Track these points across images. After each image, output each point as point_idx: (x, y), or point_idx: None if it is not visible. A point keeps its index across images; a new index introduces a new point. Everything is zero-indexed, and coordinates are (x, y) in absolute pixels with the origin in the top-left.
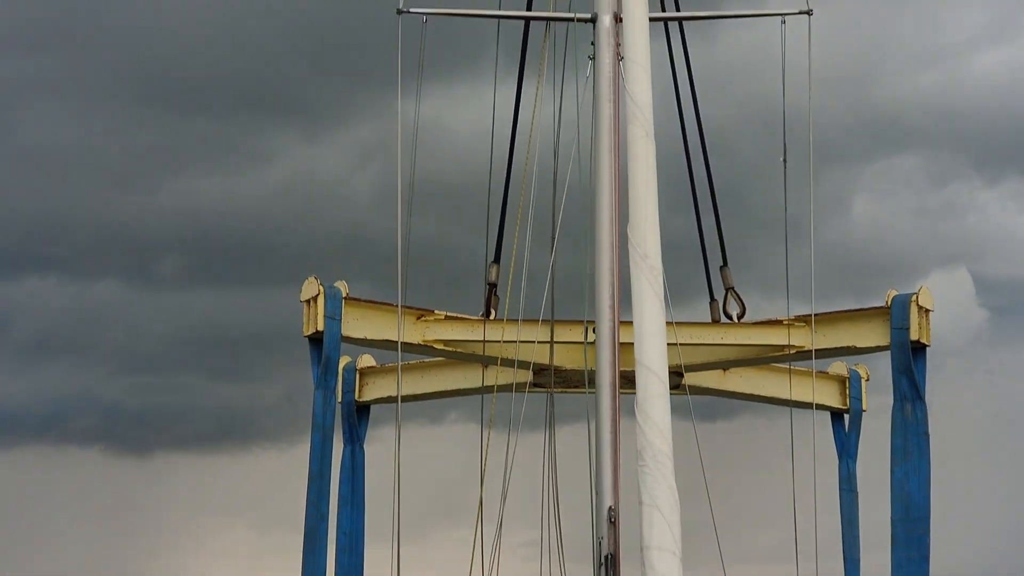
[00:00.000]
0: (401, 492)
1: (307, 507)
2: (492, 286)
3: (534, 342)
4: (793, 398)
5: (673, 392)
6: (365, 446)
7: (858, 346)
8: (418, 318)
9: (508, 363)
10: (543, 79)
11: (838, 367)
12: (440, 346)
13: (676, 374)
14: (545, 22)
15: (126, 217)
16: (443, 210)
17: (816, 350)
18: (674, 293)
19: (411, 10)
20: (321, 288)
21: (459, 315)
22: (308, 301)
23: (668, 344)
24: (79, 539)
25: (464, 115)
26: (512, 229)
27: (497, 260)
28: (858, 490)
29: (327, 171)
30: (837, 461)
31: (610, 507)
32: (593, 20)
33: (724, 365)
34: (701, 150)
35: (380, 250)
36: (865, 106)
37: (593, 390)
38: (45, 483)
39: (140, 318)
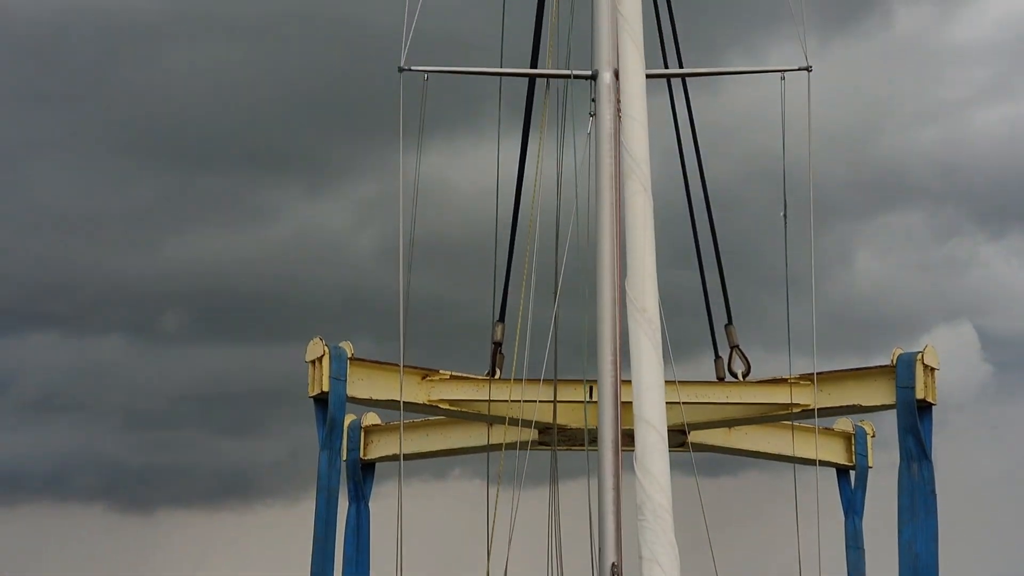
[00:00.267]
0: (405, 549)
1: (312, 569)
2: (497, 345)
3: (536, 401)
4: (798, 455)
5: (677, 450)
6: (370, 503)
7: (863, 404)
8: (423, 378)
9: (513, 422)
10: (543, 136)
11: (844, 423)
12: (445, 406)
13: (680, 432)
14: (545, 79)
15: (129, 273)
16: (447, 265)
17: (821, 409)
18: (679, 348)
19: (412, 68)
20: (326, 349)
21: (464, 375)
22: (313, 362)
23: (672, 403)
24: None
25: (467, 171)
26: (516, 287)
27: (502, 319)
28: (865, 547)
29: (330, 227)
30: (843, 518)
31: (613, 563)
32: (593, 77)
33: (729, 424)
34: (705, 206)
35: (383, 306)
36: (867, 161)
37: (595, 447)
38: (47, 541)
39: (143, 374)
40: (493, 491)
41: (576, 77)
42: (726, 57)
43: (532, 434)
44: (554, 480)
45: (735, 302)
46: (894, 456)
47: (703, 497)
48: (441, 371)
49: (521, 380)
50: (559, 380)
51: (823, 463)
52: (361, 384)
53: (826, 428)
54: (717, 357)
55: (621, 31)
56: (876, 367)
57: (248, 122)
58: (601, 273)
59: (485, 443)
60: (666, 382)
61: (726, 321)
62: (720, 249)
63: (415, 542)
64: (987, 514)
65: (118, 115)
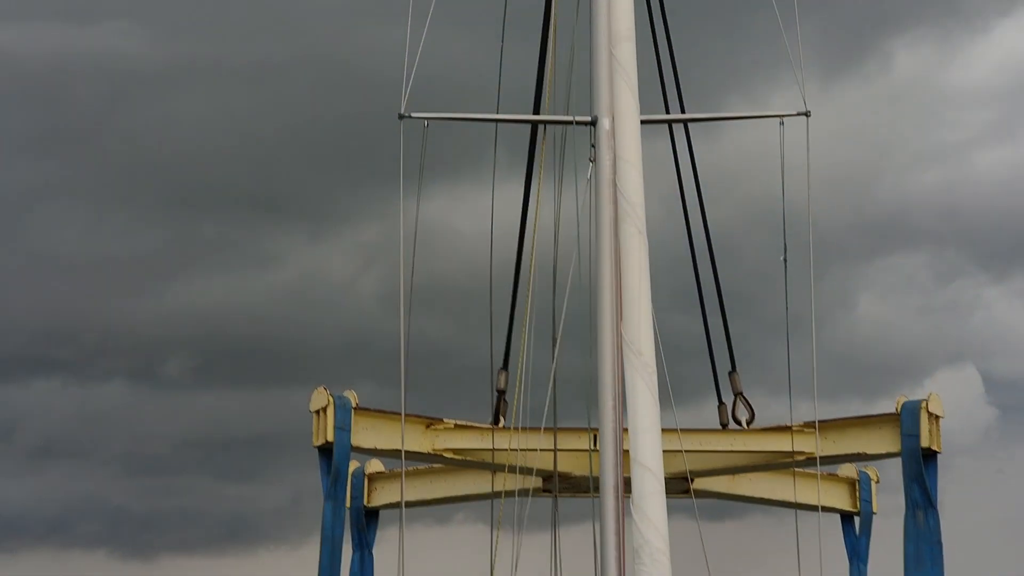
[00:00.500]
0: None
1: None
2: (501, 393)
3: (537, 450)
4: (801, 501)
5: (681, 496)
6: (373, 550)
7: (868, 452)
8: (427, 426)
9: (522, 470)
10: (541, 182)
11: (848, 469)
12: (450, 455)
13: (683, 480)
14: (544, 125)
15: (132, 319)
16: (452, 309)
17: (826, 456)
18: (681, 393)
19: (412, 115)
20: (331, 399)
21: (468, 423)
22: (318, 411)
23: (675, 451)
24: None
25: (471, 215)
26: (519, 333)
27: (505, 367)
28: None
29: (333, 272)
30: (848, 564)
31: None
32: (593, 123)
33: (732, 471)
34: (708, 251)
35: (386, 350)
36: (868, 204)
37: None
38: None
39: (146, 420)
40: (496, 539)
41: (576, 123)
42: (727, 102)
43: (536, 482)
44: (554, 526)
45: (738, 346)
46: (899, 499)
47: (707, 543)
48: (445, 420)
49: (525, 428)
50: (563, 429)
51: (827, 509)
52: (366, 434)
53: (830, 474)
54: (720, 403)
55: (616, 76)
56: (880, 415)
57: (250, 168)
58: (601, 318)
59: (489, 490)
60: (668, 430)
61: (730, 368)
62: (723, 293)
63: None
64: (994, 560)
65: (120, 161)
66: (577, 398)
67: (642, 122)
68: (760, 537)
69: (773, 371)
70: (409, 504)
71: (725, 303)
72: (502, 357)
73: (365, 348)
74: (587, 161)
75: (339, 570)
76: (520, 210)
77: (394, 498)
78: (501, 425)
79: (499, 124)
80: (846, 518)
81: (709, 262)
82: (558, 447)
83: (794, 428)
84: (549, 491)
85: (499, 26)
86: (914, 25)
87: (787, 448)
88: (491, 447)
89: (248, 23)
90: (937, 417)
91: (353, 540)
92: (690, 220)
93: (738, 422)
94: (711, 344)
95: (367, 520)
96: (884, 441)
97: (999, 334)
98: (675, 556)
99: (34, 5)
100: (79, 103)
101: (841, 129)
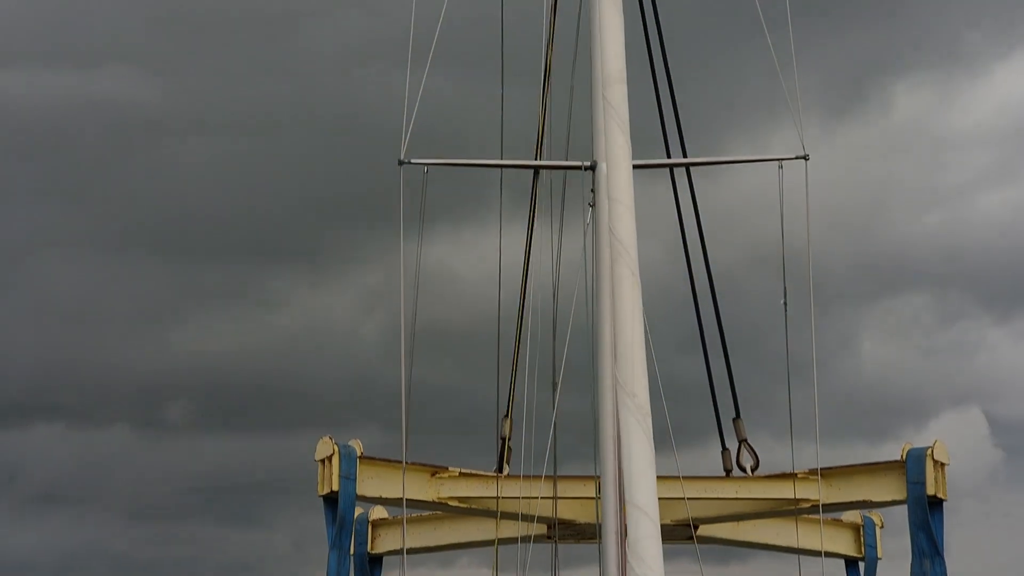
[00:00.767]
0: None
1: None
2: (505, 440)
3: (538, 498)
4: (805, 547)
5: (685, 542)
6: None
7: (873, 500)
8: (432, 475)
9: (524, 517)
10: (532, 228)
11: (852, 514)
12: (455, 503)
13: (687, 526)
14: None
15: (134, 365)
16: (455, 353)
17: (832, 504)
18: (686, 435)
19: (412, 161)
20: (336, 448)
21: (472, 471)
22: (323, 460)
23: (677, 498)
24: None
25: (471, 259)
26: (522, 379)
27: (508, 414)
28: None
29: (335, 317)
30: None
31: None
32: (592, 167)
33: (736, 518)
34: (710, 294)
35: (390, 394)
36: (870, 246)
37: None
38: None
39: (148, 466)
40: None
41: (574, 168)
42: (728, 144)
43: (540, 528)
44: (554, 572)
45: (740, 388)
46: (905, 542)
47: None
48: (450, 468)
49: (528, 476)
50: (566, 477)
51: (832, 554)
52: (371, 483)
53: (834, 519)
54: (724, 448)
55: (609, 119)
56: (885, 462)
57: (252, 214)
58: (602, 362)
59: (492, 537)
60: (671, 477)
61: (734, 415)
62: (726, 338)
63: None
64: None
65: (122, 207)
66: (582, 443)
67: (637, 166)
68: None
69: (777, 413)
70: (412, 551)
71: (728, 346)
72: (505, 406)
73: (369, 392)
74: (587, 206)
75: None
76: (521, 253)
77: (398, 545)
78: (506, 472)
79: (501, 169)
80: (850, 563)
81: (712, 305)
82: (562, 495)
83: (799, 475)
84: (553, 538)
85: (498, 71)
86: (914, 68)
87: (791, 495)
88: (495, 495)
89: (250, 70)
90: (943, 464)
91: None
92: (692, 263)
93: (743, 469)
94: (714, 390)
95: (371, 566)
96: (889, 489)
97: (1003, 375)
98: None
99: (36, 52)
100: (81, 150)
101: (842, 171)
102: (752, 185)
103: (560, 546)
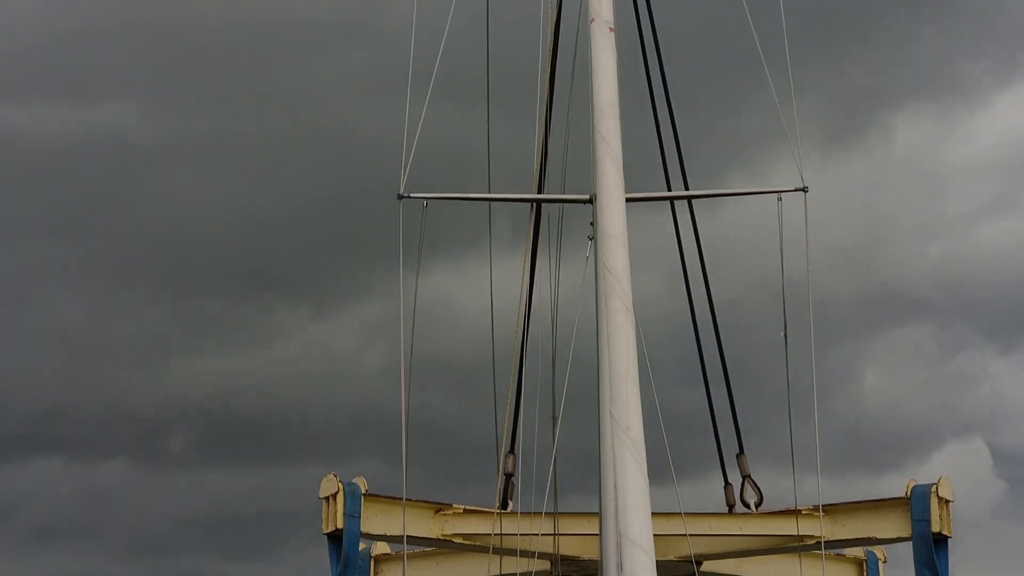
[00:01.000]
0: None
1: None
2: (509, 476)
3: (538, 535)
4: None
5: None
6: None
7: (878, 537)
8: (436, 512)
9: (525, 554)
10: (535, 261)
11: (855, 548)
12: (459, 540)
13: (689, 563)
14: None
15: (134, 397)
16: (457, 386)
17: (837, 540)
18: (688, 467)
19: (411, 195)
20: (340, 485)
21: (476, 508)
22: (327, 498)
23: (679, 535)
24: None
25: (472, 291)
26: (526, 414)
27: (512, 450)
28: None
29: (336, 348)
30: None
31: None
32: (591, 200)
33: (740, 555)
34: (712, 327)
35: (392, 426)
36: (872, 277)
37: None
38: None
39: (148, 499)
40: None
41: (573, 202)
42: (729, 177)
43: (543, 564)
44: None
45: (742, 419)
46: (909, 574)
47: None
48: (454, 505)
49: (526, 514)
50: (568, 513)
51: None
52: (375, 520)
53: (836, 554)
54: (727, 484)
55: (601, 152)
56: (890, 499)
57: (253, 245)
58: (602, 396)
59: (495, 574)
60: (673, 514)
61: (737, 450)
62: (728, 372)
63: None
64: None
65: (123, 239)
66: (586, 475)
67: (631, 199)
68: None
69: (778, 444)
70: None
71: (730, 378)
72: (508, 442)
73: (370, 424)
74: (587, 239)
75: None
76: (520, 285)
77: None
78: (510, 508)
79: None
80: None
81: (714, 338)
82: (565, 531)
83: (803, 512)
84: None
85: (498, 103)
86: (913, 99)
87: (795, 532)
88: (498, 531)
89: (250, 103)
90: (947, 501)
91: None
92: (693, 296)
93: (746, 505)
94: (716, 426)
95: None
96: (894, 525)
97: (1006, 406)
98: None
99: (38, 85)
100: (82, 183)
101: (842, 203)
102: (753, 217)
103: None
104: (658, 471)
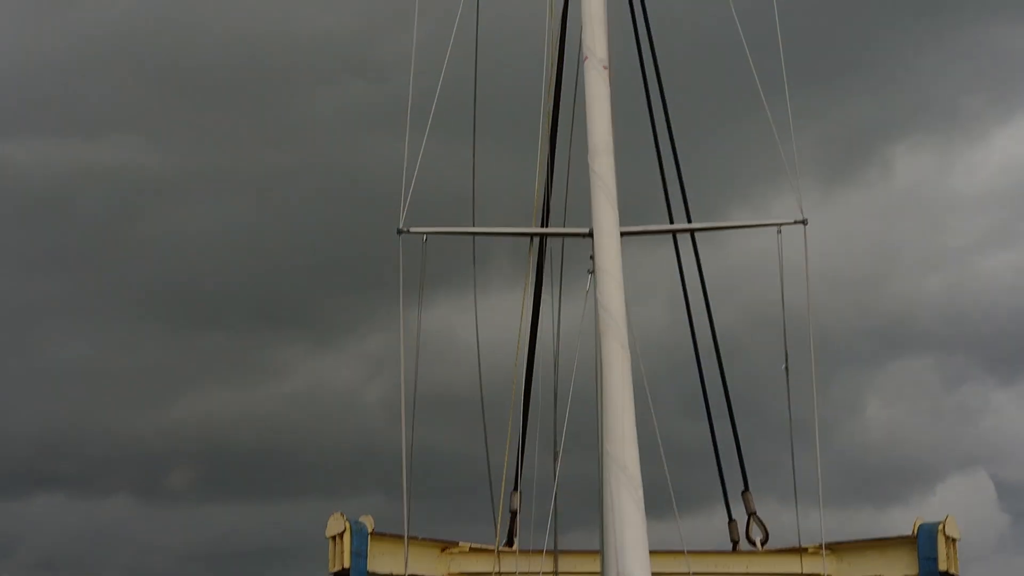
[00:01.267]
0: None
1: None
2: (514, 513)
3: (539, 574)
4: None
5: None
6: None
7: (884, 575)
8: (442, 550)
9: None
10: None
11: None
12: None
13: None
14: (542, 238)
15: (136, 432)
16: (458, 420)
17: None
18: (691, 500)
19: (411, 230)
20: (347, 524)
21: (482, 546)
22: (334, 537)
23: (683, 574)
24: None
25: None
26: (530, 451)
27: (516, 487)
28: None
29: (338, 382)
30: None
31: None
32: (590, 235)
33: None
34: (716, 360)
35: (395, 460)
36: (873, 309)
37: None
38: None
39: (151, 535)
40: None
41: (572, 235)
42: (729, 210)
43: None
44: None
45: (745, 451)
46: None
47: None
48: (460, 543)
49: (525, 552)
50: (569, 552)
51: None
52: (382, 559)
53: None
54: (731, 520)
55: (595, 188)
56: (896, 537)
57: (254, 280)
58: (601, 434)
59: None
60: (676, 552)
61: (742, 487)
62: (732, 406)
63: None
64: None
65: (123, 274)
66: (589, 509)
67: (627, 233)
68: None
69: (782, 476)
70: None
71: (734, 410)
72: (512, 476)
73: (373, 458)
74: (586, 273)
75: None
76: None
77: None
78: (516, 546)
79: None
80: None
81: (717, 371)
82: (566, 570)
83: (809, 550)
84: None
85: (499, 138)
86: (913, 132)
87: (799, 570)
88: (498, 571)
89: (252, 137)
90: (954, 540)
91: None
92: (695, 329)
93: (752, 542)
94: (720, 461)
95: None
96: (901, 564)
97: (1009, 439)
98: None
99: (39, 120)
100: (83, 218)
101: (843, 235)
102: (754, 250)
103: None
104: (660, 506)
